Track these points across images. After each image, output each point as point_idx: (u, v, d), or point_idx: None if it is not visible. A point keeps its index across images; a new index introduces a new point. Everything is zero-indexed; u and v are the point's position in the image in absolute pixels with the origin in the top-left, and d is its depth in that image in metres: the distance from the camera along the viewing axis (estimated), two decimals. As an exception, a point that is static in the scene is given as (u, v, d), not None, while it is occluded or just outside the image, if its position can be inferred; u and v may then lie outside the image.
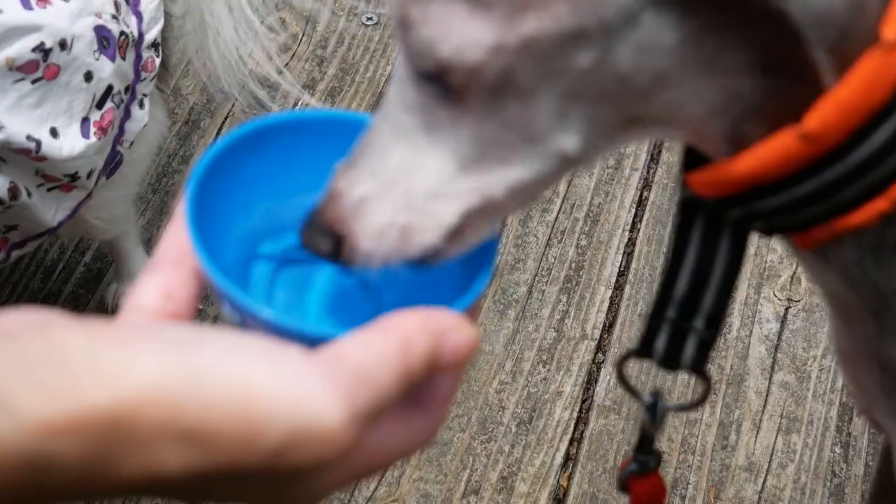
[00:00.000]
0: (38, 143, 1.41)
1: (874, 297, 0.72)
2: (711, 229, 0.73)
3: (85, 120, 1.46)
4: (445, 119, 0.63)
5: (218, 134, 2.02)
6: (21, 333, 0.51)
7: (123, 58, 1.49)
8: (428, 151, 0.64)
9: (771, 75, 0.64)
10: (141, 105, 1.55)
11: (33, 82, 1.39)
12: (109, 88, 1.47)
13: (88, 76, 1.44)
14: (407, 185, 0.64)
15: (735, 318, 1.84)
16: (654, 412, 0.82)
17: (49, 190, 1.48)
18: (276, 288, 0.71)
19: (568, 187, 1.98)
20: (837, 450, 1.72)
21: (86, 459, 0.49)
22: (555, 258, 1.91)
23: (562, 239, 1.93)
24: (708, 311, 0.75)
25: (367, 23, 2.22)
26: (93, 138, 1.46)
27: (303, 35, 2.18)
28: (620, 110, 0.65)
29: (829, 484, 1.69)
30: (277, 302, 0.71)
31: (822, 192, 0.67)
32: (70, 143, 1.44)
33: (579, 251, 1.92)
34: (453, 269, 0.69)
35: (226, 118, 2.04)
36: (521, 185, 0.65)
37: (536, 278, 1.88)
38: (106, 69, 1.46)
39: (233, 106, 2.06)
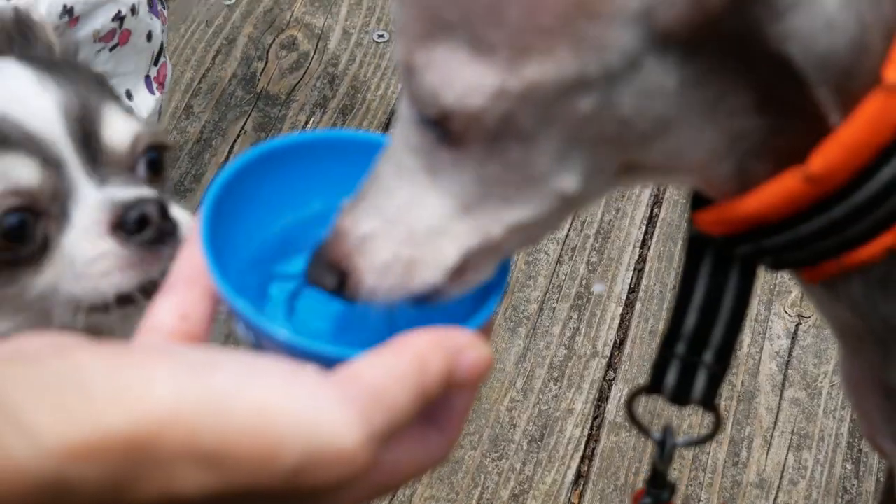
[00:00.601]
0: (133, 102, 1.47)
1: (882, 327, 0.73)
2: (720, 265, 0.74)
3: (147, 77, 1.51)
4: (447, 160, 0.64)
5: (230, 153, 2.03)
6: (40, 357, 0.52)
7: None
8: (430, 191, 0.65)
9: (774, 115, 0.64)
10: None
11: (111, 49, 1.44)
12: (162, 45, 1.53)
13: (149, 36, 1.51)
14: (410, 224, 0.65)
15: (746, 334, 1.85)
16: (664, 448, 0.83)
17: None
18: (292, 308, 0.72)
19: (578, 204, 1.99)
20: (849, 466, 1.72)
21: (106, 482, 0.50)
22: (565, 275, 1.91)
23: (572, 256, 1.94)
24: (717, 345, 0.75)
25: (379, 41, 2.22)
26: (157, 93, 1.53)
27: (314, 53, 2.19)
28: (621, 153, 0.65)
29: (840, 500, 1.69)
30: (292, 321, 0.72)
31: (828, 230, 0.67)
32: (144, 103, 1.52)
33: (590, 268, 1.93)
34: None
35: (237, 136, 2.05)
36: (520, 225, 0.66)
37: (547, 296, 1.89)
38: (157, 26, 1.54)
39: (244, 124, 2.07)
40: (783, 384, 1.80)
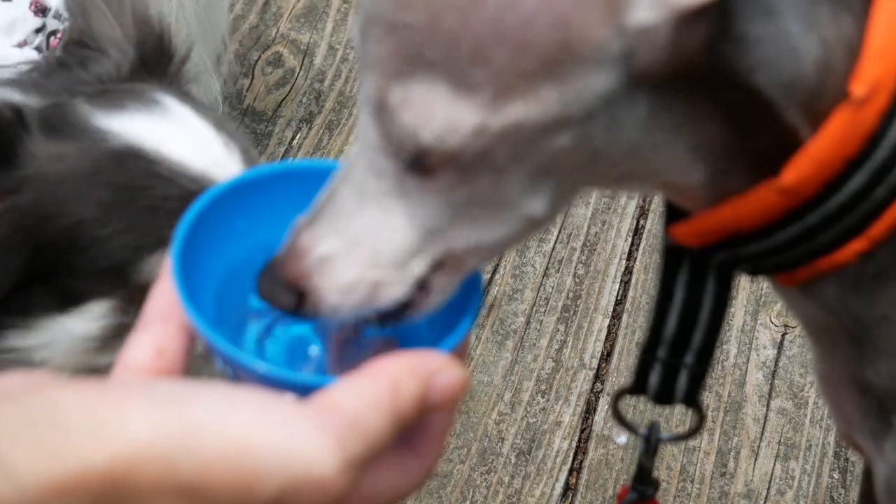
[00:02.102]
0: None
1: (856, 325, 0.74)
2: (697, 273, 0.76)
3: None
4: (414, 187, 0.64)
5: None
6: (16, 395, 0.52)
7: None
8: (396, 215, 0.65)
9: (743, 132, 0.66)
10: None
11: None
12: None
13: None
14: (374, 245, 0.65)
15: (732, 345, 1.85)
16: (649, 443, 0.85)
17: None
18: (268, 338, 0.72)
19: (565, 217, 1.99)
20: (836, 475, 1.73)
21: None
22: (552, 288, 1.92)
23: (559, 269, 1.95)
24: (697, 347, 0.77)
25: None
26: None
27: (300, 69, 2.20)
28: (590, 178, 0.66)
29: (827, 510, 1.70)
30: (269, 351, 0.72)
31: (802, 237, 0.69)
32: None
33: (577, 280, 1.93)
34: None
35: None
36: (487, 245, 0.67)
37: (534, 308, 1.89)
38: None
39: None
40: (770, 394, 1.80)
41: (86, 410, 0.52)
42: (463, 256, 0.67)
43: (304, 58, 2.21)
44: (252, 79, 2.18)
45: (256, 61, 2.20)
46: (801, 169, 0.66)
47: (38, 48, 1.35)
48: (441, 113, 0.61)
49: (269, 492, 0.53)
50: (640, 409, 1.74)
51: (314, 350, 0.72)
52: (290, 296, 0.66)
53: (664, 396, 0.79)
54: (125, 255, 0.93)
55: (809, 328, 0.84)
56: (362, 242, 0.65)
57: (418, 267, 0.66)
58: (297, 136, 2.09)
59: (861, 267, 0.71)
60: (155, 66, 1.05)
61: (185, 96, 1.04)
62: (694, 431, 0.84)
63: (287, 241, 0.67)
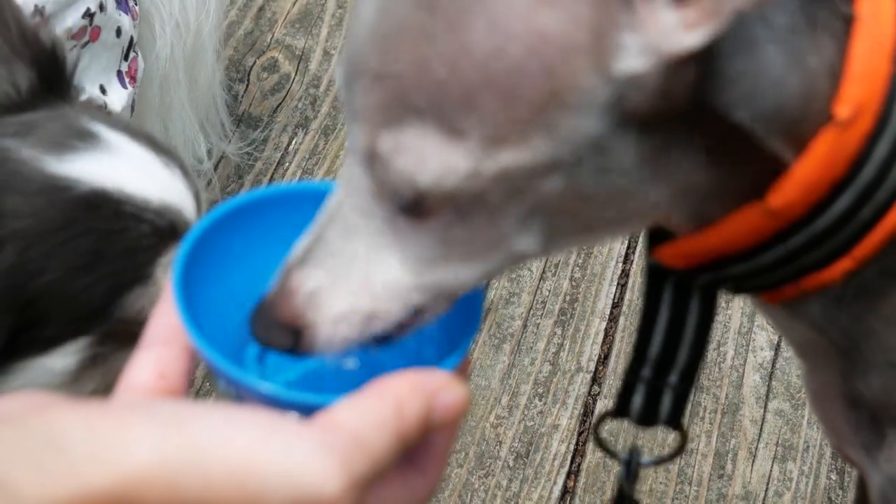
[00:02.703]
0: (106, 99, 1.48)
1: (843, 339, 0.75)
2: (681, 293, 0.76)
3: (118, 72, 1.52)
4: (406, 227, 0.64)
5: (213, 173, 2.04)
6: (20, 418, 0.52)
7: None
8: (387, 253, 0.65)
9: (728, 164, 0.66)
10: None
11: (83, 46, 1.44)
12: (131, 39, 1.53)
13: (118, 31, 1.52)
14: (366, 278, 0.65)
15: (729, 346, 1.86)
16: (630, 468, 0.85)
17: None
18: (269, 356, 0.72)
19: (561, 220, 2.00)
20: (833, 476, 1.73)
21: None
22: (549, 291, 1.92)
23: (556, 272, 1.95)
24: (682, 366, 0.77)
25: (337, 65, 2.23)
26: (129, 87, 1.54)
27: (295, 74, 2.20)
28: (582, 217, 0.67)
29: (825, 511, 1.70)
30: (270, 363, 0.72)
31: (788, 258, 0.70)
32: (118, 97, 1.52)
33: (573, 284, 1.93)
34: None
35: (220, 159, 2.06)
36: (477, 278, 0.67)
37: (531, 312, 1.90)
38: (126, 22, 1.54)
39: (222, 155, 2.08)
40: (767, 396, 1.81)
41: (88, 432, 0.52)
42: (455, 290, 0.67)
43: (299, 63, 2.22)
44: (247, 84, 2.18)
45: (251, 67, 2.20)
46: (787, 192, 0.66)
47: None
48: (434, 158, 0.61)
49: None
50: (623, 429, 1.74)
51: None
52: (286, 335, 0.66)
53: (647, 418, 0.79)
54: (107, 298, 0.95)
55: (796, 345, 0.84)
56: (353, 276, 0.65)
57: (410, 299, 0.66)
58: (293, 142, 2.09)
59: (845, 283, 0.71)
60: (54, 83, 1.05)
61: (105, 116, 1.05)
62: (676, 454, 0.85)
63: (277, 282, 0.67)
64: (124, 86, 1.54)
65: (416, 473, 0.62)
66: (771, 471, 1.73)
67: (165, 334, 0.64)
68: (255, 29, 2.26)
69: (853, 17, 0.65)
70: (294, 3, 2.30)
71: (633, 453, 0.85)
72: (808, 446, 1.75)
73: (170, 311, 0.65)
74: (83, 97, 1.37)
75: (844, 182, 0.66)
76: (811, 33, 0.65)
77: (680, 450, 0.84)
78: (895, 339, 0.73)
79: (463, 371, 0.67)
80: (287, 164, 2.06)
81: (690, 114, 0.63)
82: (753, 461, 1.74)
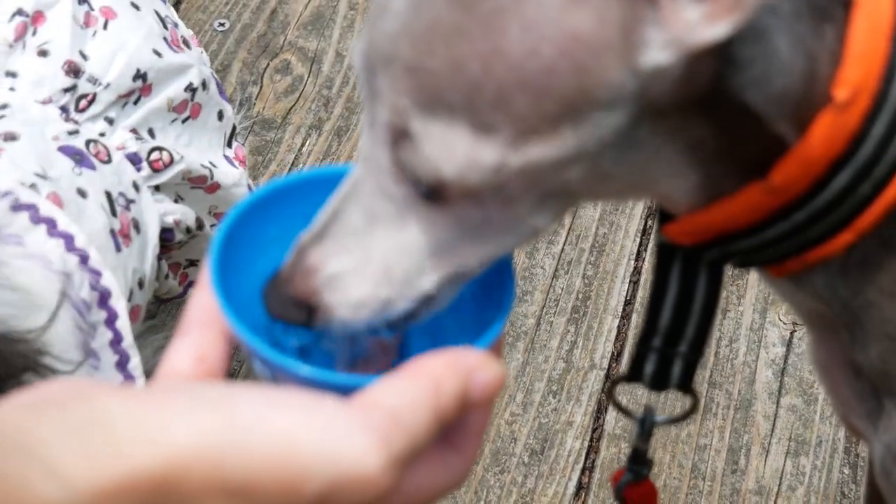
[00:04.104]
0: (212, 170, 1.45)
1: (844, 311, 0.77)
2: (689, 268, 0.78)
3: (225, 156, 1.52)
4: (425, 210, 0.66)
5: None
6: (63, 401, 0.53)
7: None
8: (406, 235, 0.67)
9: (734, 141, 0.69)
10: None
11: (183, 121, 1.45)
12: (234, 128, 1.54)
13: (220, 115, 1.51)
14: (385, 263, 0.67)
15: (741, 343, 1.87)
16: (644, 426, 0.87)
17: (213, 227, 1.55)
18: (304, 338, 0.73)
19: (573, 219, 2.01)
20: (846, 471, 1.74)
21: None
22: (562, 289, 1.94)
23: (568, 270, 1.96)
24: (691, 337, 0.80)
25: (353, 47, 2.24)
26: (240, 168, 1.52)
27: (308, 76, 2.21)
28: (595, 195, 0.69)
29: (838, 505, 1.71)
30: (308, 350, 0.73)
31: (791, 233, 0.72)
32: (230, 171, 1.50)
33: (586, 282, 1.95)
34: (472, 292, 0.72)
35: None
36: (493, 256, 0.69)
37: (544, 310, 1.91)
38: (228, 109, 1.53)
39: (241, 148, 2.09)
40: (779, 391, 1.82)
41: (133, 415, 0.53)
42: (469, 269, 0.69)
43: (312, 65, 2.23)
44: (261, 87, 2.19)
45: (265, 69, 2.22)
46: (788, 170, 0.69)
47: (63, 107, 1.37)
48: (461, 151, 0.62)
49: (315, 490, 0.54)
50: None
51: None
52: (300, 311, 0.67)
53: (659, 383, 0.82)
54: None
55: (803, 315, 0.87)
56: (373, 260, 0.67)
57: (427, 283, 0.68)
58: (307, 143, 2.11)
59: (847, 255, 0.74)
60: None
61: None
62: (688, 414, 0.87)
63: (291, 258, 0.68)
64: (234, 166, 1.55)
65: (452, 452, 0.62)
66: (784, 466, 1.74)
67: (203, 317, 0.65)
68: (267, 31, 2.28)
69: (852, 2, 0.67)
70: (306, 6, 2.32)
71: (648, 412, 0.88)
72: (820, 441, 1.77)
73: (206, 295, 0.65)
74: (179, 167, 1.38)
75: (843, 159, 0.68)
76: (814, 19, 0.67)
77: (692, 410, 0.86)
78: (892, 310, 0.76)
79: (497, 350, 0.68)
80: (301, 165, 2.08)
81: (706, 98, 0.65)
82: (766, 456, 1.75)
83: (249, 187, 1.56)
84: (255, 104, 2.16)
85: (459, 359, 0.61)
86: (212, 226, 1.55)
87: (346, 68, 2.23)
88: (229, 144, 1.55)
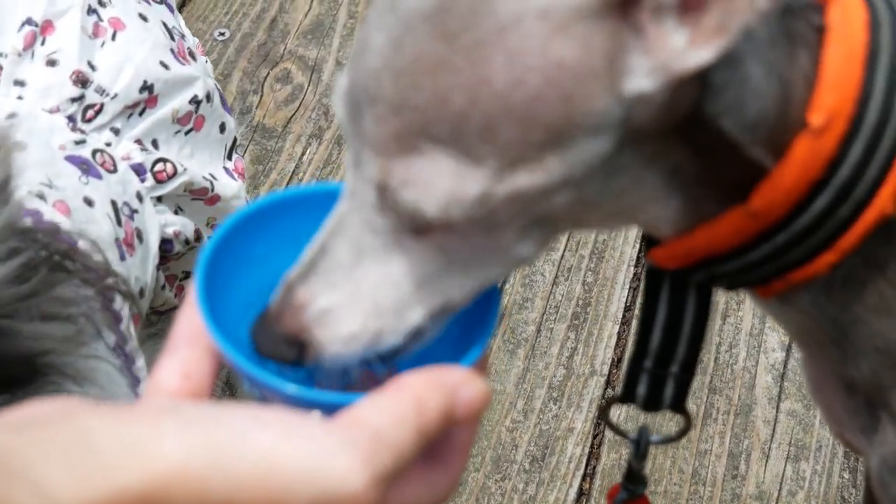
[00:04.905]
0: (212, 182, 1.47)
1: (833, 328, 0.78)
2: (677, 290, 0.79)
3: (225, 168, 1.53)
4: (410, 243, 0.66)
5: (228, 186, 2.06)
6: (50, 421, 0.54)
7: None
8: (393, 268, 0.67)
9: (712, 167, 0.70)
10: None
11: (186, 133, 1.46)
12: (235, 140, 1.55)
13: (223, 127, 1.52)
14: (374, 296, 0.67)
15: (741, 348, 1.87)
16: (639, 446, 0.88)
17: None
18: None
19: (572, 225, 2.02)
20: (846, 475, 1.74)
21: None
22: (562, 296, 1.94)
23: (568, 277, 1.97)
24: (682, 358, 0.81)
25: (334, 90, 2.25)
26: (239, 180, 1.53)
27: (308, 85, 2.22)
28: (578, 223, 0.70)
29: (839, 509, 1.72)
30: (290, 371, 0.74)
31: (774, 254, 0.73)
32: (230, 183, 1.51)
33: (586, 288, 1.95)
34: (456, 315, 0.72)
35: (236, 170, 2.08)
36: (479, 288, 0.69)
37: (545, 316, 1.92)
38: (230, 121, 1.55)
39: (242, 158, 2.10)
40: (779, 396, 1.82)
41: (118, 433, 0.53)
42: (455, 301, 0.69)
43: (312, 73, 2.24)
44: (261, 95, 2.20)
45: (265, 78, 2.23)
46: (767, 194, 0.69)
47: (70, 117, 1.37)
48: (445, 186, 0.62)
49: None
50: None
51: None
52: (290, 348, 0.67)
53: (652, 404, 0.83)
54: None
55: (793, 334, 0.88)
56: (361, 294, 0.67)
57: (416, 315, 0.68)
58: (307, 152, 2.12)
59: (831, 274, 0.74)
60: None
61: None
62: (682, 433, 0.87)
63: (279, 296, 0.68)
64: (234, 178, 1.55)
65: (438, 468, 0.63)
66: (784, 470, 1.75)
67: (189, 336, 0.65)
68: (268, 40, 2.29)
69: (825, 27, 0.68)
70: (306, 15, 2.33)
71: (643, 432, 0.88)
72: (820, 446, 1.77)
73: (193, 313, 0.66)
74: (182, 178, 1.40)
75: (822, 183, 0.69)
76: (788, 45, 0.68)
77: (685, 430, 0.87)
78: (880, 325, 0.76)
79: (482, 367, 0.68)
80: (301, 174, 2.09)
81: (685, 124, 0.66)
82: (767, 461, 1.75)
83: (247, 200, 1.57)
84: (255, 113, 2.17)
85: (443, 376, 0.61)
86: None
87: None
88: (229, 157, 1.56)
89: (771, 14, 0.62)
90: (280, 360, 0.68)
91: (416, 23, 0.62)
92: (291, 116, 2.17)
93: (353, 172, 0.67)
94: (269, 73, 2.24)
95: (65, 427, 0.53)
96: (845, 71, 0.68)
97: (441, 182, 0.62)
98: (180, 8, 2.31)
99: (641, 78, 0.62)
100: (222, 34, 2.28)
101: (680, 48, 0.61)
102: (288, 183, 2.07)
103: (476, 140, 0.62)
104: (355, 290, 0.67)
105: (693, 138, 0.67)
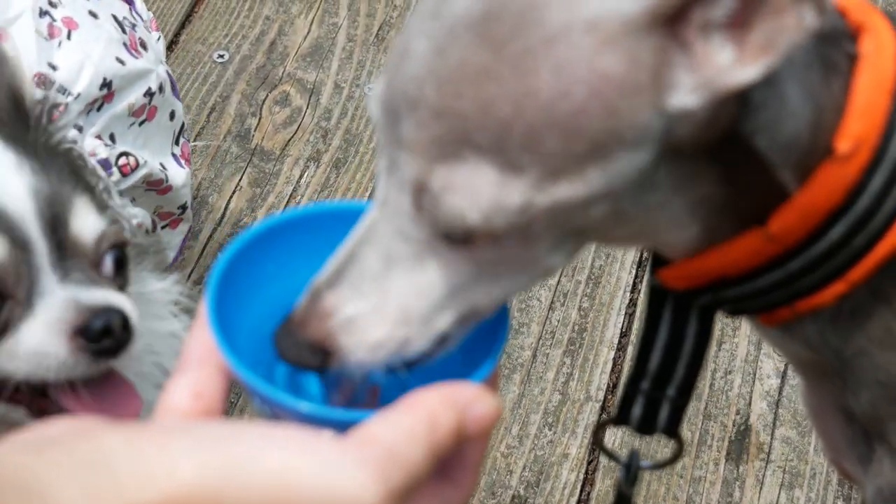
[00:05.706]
0: (165, 173, 1.50)
1: (835, 359, 0.78)
2: (680, 312, 0.79)
3: (173, 154, 1.55)
4: (444, 251, 0.67)
5: (226, 209, 2.07)
6: (65, 441, 0.54)
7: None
8: (424, 276, 0.67)
9: (737, 188, 0.69)
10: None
11: (140, 124, 1.47)
12: (182, 125, 1.57)
13: (172, 115, 1.54)
14: (402, 304, 0.67)
15: (736, 374, 1.88)
16: (629, 470, 0.88)
17: (163, 228, 1.59)
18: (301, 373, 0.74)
19: (569, 250, 2.02)
20: (840, 503, 1.75)
21: None
22: (558, 321, 1.95)
23: (564, 302, 1.97)
24: (679, 381, 0.81)
25: (370, 94, 2.26)
26: (185, 167, 1.55)
27: (307, 108, 2.23)
28: (609, 236, 0.70)
29: (832, 537, 1.72)
30: (304, 387, 0.74)
31: (785, 281, 0.73)
32: (177, 174, 1.54)
33: (582, 313, 1.96)
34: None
35: (233, 192, 2.09)
36: (507, 295, 0.70)
37: (540, 342, 1.92)
38: (179, 107, 1.59)
39: (240, 180, 2.10)
40: (774, 423, 1.83)
41: (133, 453, 0.54)
42: (483, 308, 0.70)
43: (310, 96, 2.25)
44: (260, 118, 2.21)
45: (264, 101, 2.24)
46: (787, 219, 0.70)
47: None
48: (487, 194, 0.63)
49: None
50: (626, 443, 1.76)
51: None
52: (314, 355, 0.68)
53: (646, 426, 0.83)
54: None
55: (795, 363, 0.88)
56: (390, 302, 0.67)
57: (443, 322, 0.68)
58: (305, 175, 2.12)
59: (838, 305, 0.75)
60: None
61: None
62: (674, 459, 0.87)
63: (305, 302, 0.69)
64: (181, 166, 1.58)
65: (449, 485, 0.63)
66: (778, 497, 1.75)
67: (200, 355, 0.66)
68: (266, 63, 2.29)
69: (858, 56, 0.69)
70: (305, 38, 2.33)
71: (633, 456, 0.89)
72: (814, 473, 1.77)
73: (204, 332, 0.66)
74: (143, 171, 1.42)
75: (841, 211, 0.70)
76: (823, 70, 0.68)
77: (677, 456, 0.87)
78: (883, 358, 0.77)
79: (493, 383, 0.69)
80: (299, 197, 2.09)
81: (720, 142, 0.67)
82: (761, 488, 1.76)
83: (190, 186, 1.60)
84: (254, 135, 2.18)
85: (455, 393, 0.62)
86: (163, 227, 1.59)
87: (345, 100, 2.25)
88: (177, 142, 1.58)
89: (811, 36, 0.62)
90: (303, 366, 0.68)
91: (460, 30, 0.63)
92: (290, 139, 2.18)
93: (386, 178, 0.67)
94: (267, 96, 2.25)
95: (79, 447, 0.54)
96: (874, 100, 0.68)
97: (484, 189, 0.63)
98: (179, 30, 2.32)
99: (686, 94, 0.62)
100: (221, 56, 2.29)
101: (726, 65, 0.62)
102: (285, 206, 2.08)
103: (518, 150, 0.62)
104: (384, 298, 0.67)
105: (725, 157, 0.67)
